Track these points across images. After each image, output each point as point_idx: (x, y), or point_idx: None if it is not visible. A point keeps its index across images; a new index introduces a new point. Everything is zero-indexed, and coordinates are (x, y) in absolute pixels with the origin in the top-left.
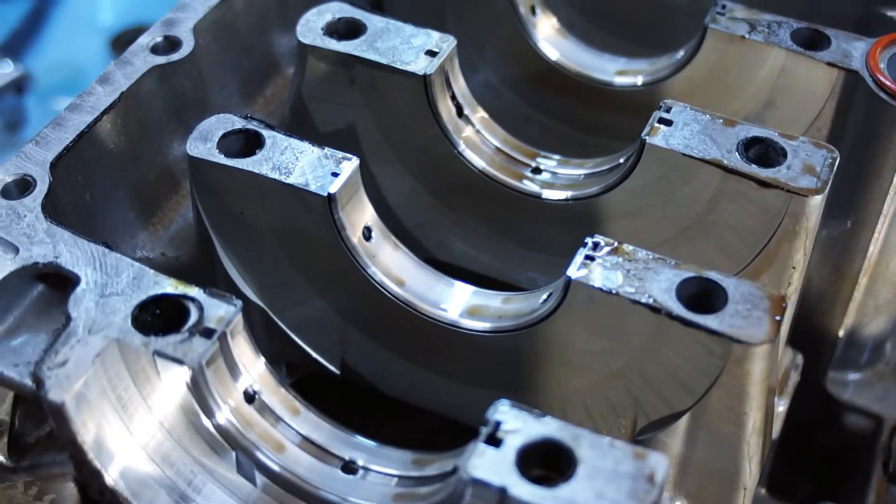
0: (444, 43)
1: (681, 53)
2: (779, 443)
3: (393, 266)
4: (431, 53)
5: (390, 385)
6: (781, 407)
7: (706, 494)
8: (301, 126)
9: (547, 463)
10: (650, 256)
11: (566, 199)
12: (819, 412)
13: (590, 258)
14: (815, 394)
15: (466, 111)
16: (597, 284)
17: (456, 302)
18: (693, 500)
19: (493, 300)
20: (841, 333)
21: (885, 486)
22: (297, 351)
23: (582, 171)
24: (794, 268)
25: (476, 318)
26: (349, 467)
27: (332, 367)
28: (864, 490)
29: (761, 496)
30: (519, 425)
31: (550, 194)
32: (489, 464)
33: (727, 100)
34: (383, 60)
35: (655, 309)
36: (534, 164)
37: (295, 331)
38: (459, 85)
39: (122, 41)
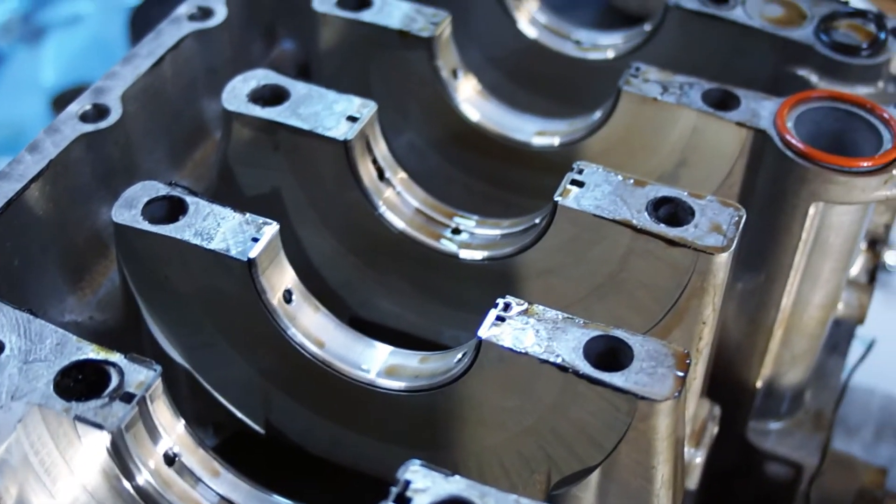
0: (365, 108)
1: (597, 114)
2: (700, 494)
3: (313, 328)
4: (352, 119)
5: (314, 444)
6: (699, 458)
7: None
8: (228, 189)
9: None
10: (559, 316)
11: (483, 259)
12: (741, 462)
13: (501, 319)
14: (737, 444)
15: (387, 174)
16: (507, 344)
17: (374, 362)
18: None
19: (411, 360)
20: (759, 384)
21: None
22: (222, 411)
23: (499, 232)
24: (704, 323)
25: (393, 377)
26: None
27: (257, 427)
28: None
29: None
30: (428, 484)
31: (467, 254)
32: None
33: (642, 159)
34: (305, 126)
35: (563, 368)
36: (453, 225)
37: (220, 391)
38: (380, 148)
39: (63, 100)
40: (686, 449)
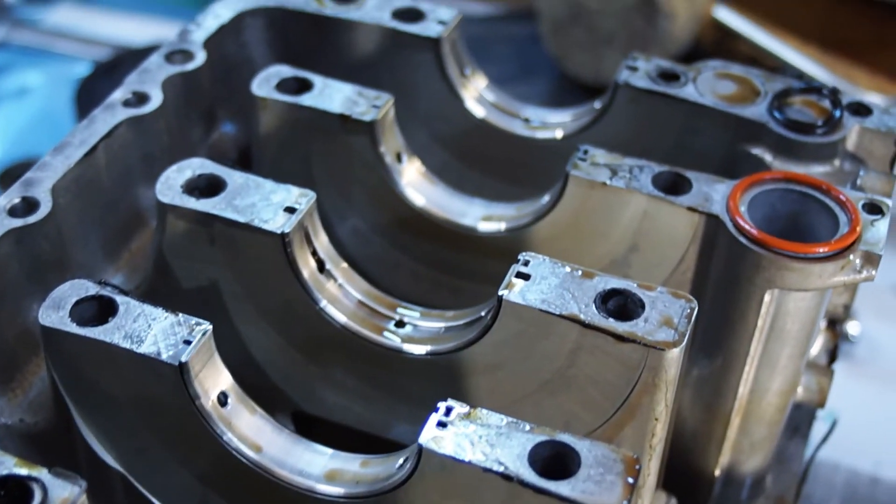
0: (304, 199)
1: (545, 199)
2: None
3: (250, 432)
4: (290, 210)
5: None
6: None
7: None
8: (164, 282)
9: None
10: (503, 421)
11: (427, 354)
12: None
13: (442, 424)
14: None
15: (328, 265)
16: (448, 452)
17: (314, 466)
18: None
19: (352, 464)
20: (718, 473)
21: None
22: None
23: (443, 324)
24: (657, 419)
25: (333, 483)
26: None
27: None
28: None
29: None
30: None
31: (411, 348)
32: None
33: (592, 244)
34: (241, 219)
35: (507, 477)
36: (396, 317)
37: (156, 495)
38: (320, 240)
39: (10, 176)
40: None
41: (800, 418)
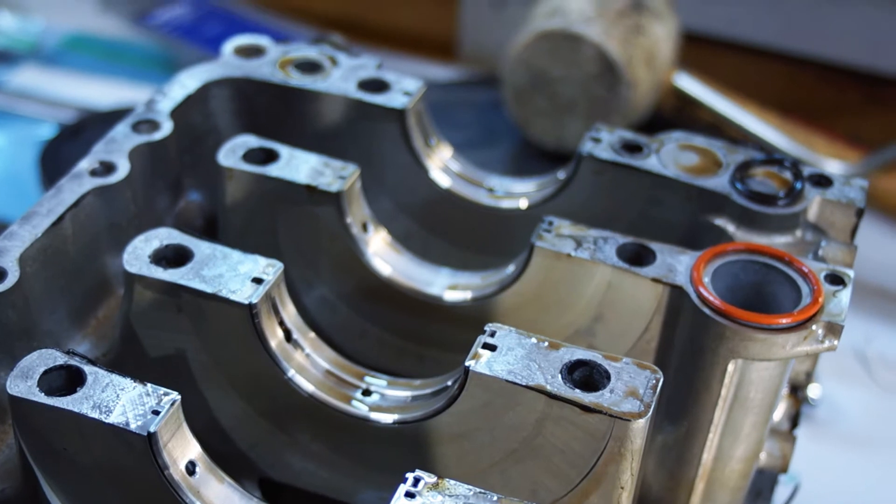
0: (271, 269)
1: (511, 268)
2: None
3: (218, 500)
4: (258, 281)
5: None
6: None
7: None
8: (131, 351)
9: None
10: (470, 492)
11: (394, 423)
12: None
13: (410, 495)
14: None
15: (295, 335)
16: None
17: None
18: None
19: None
20: None
21: None
22: None
23: (410, 393)
24: (622, 488)
25: None
26: None
27: None
28: None
29: None
30: None
31: (378, 417)
32: None
33: (557, 314)
34: (209, 290)
35: None
36: (363, 386)
37: None
38: (288, 310)
39: None
40: None
41: (762, 483)
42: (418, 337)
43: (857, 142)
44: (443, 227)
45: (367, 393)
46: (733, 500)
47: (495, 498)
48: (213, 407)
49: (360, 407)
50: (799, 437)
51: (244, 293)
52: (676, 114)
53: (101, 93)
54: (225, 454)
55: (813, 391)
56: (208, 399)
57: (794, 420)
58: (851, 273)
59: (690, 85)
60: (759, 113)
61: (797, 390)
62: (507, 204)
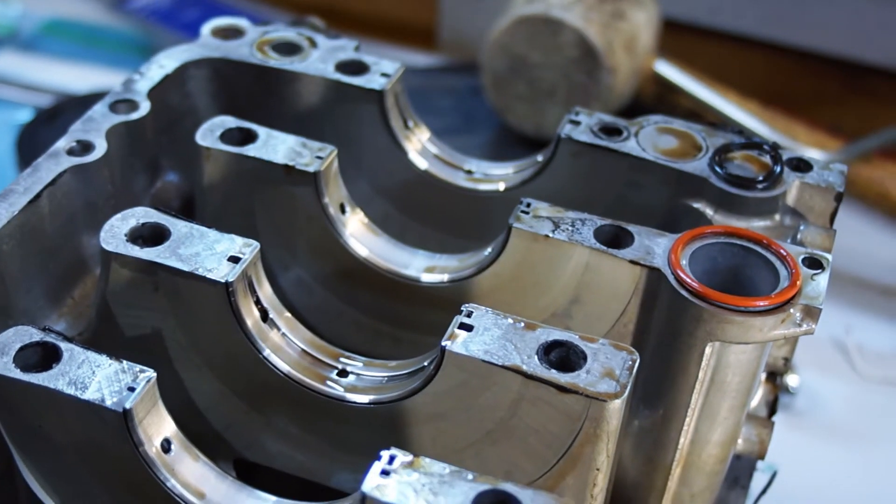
0: (248, 248)
1: (488, 250)
2: None
3: (193, 478)
4: (234, 259)
5: None
6: None
7: None
8: (107, 329)
9: None
10: (446, 470)
11: (369, 403)
12: None
13: (385, 472)
14: None
15: (271, 314)
16: (391, 500)
17: None
18: None
19: None
20: None
21: None
22: None
23: (386, 374)
24: (598, 469)
25: None
26: None
27: None
28: None
29: None
30: None
31: (354, 397)
32: None
33: (534, 296)
34: (185, 268)
35: None
36: (339, 366)
37: None
38: (264, 289)
39: None
40: None
41: (740, 469)
42: (395, 319)
43: (837, 131)
44: (420, 210)
45: (343, 374)
46: (710, 485)
47: (471, 476)
48: (189, 387)
49: (335, 387)
50: (777, 426)
51: (221, 271)
52: (657, 100)
53: (78, 78)
54: (200, 434)
55: (792, 381)
56: (184, 379)
57: (772, 406)
58: (830, 257)
59: (671, 72)
60: (739, 101)
61: (775, 376)
62: (485, 187)
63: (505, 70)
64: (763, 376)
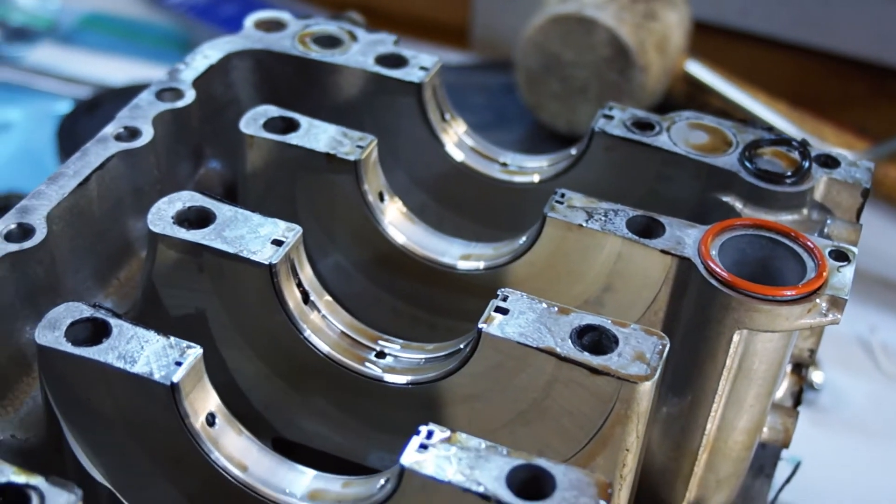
0: (290, 232)
1: (523, 239)
2: None
3: (236, 451)
4: (277, 243)
5: None
6: None
7: None
8: (152, 310)
9: None
10: (482, 445)
11: (407, 384)
12: None
13: (423, 446)
14: None
15: (312, 297)
16: (429, 473)
17: (297, 486)
18: None
19: (334, 484)
20: None
21: None
22: None
23: (423, 356)
24: (627, 450)
25: (316, 502)
26: None
27: None
28: None
29: None
30: None
31: (392, 378)
32: None
33: (567, 284)
34: (230, 249)
35: (486, 497)
36: (377, 348)
37: None
38: (305, 272)
39: None
40: None
41: (765, 458)
42: (431, 305)
43: (863, 134)
44: (456, 201)
45: (381, 355)
46: (736, 472)
47: (505, 451)
48: (231, 366)
49: (373, 368)
50: (802, 421)
51: (264, 254)
52: (687, 100)
53: (116, 70)
54: (240, 414)
55: (817, 377)
56: (226, 358)
57: (797, 397)
58: (855, 250)
59: (701, 72)
60: (768, 101)
61: (801, 368)
62: (519, 179)
63: (538, 68)
64: (789, 368)
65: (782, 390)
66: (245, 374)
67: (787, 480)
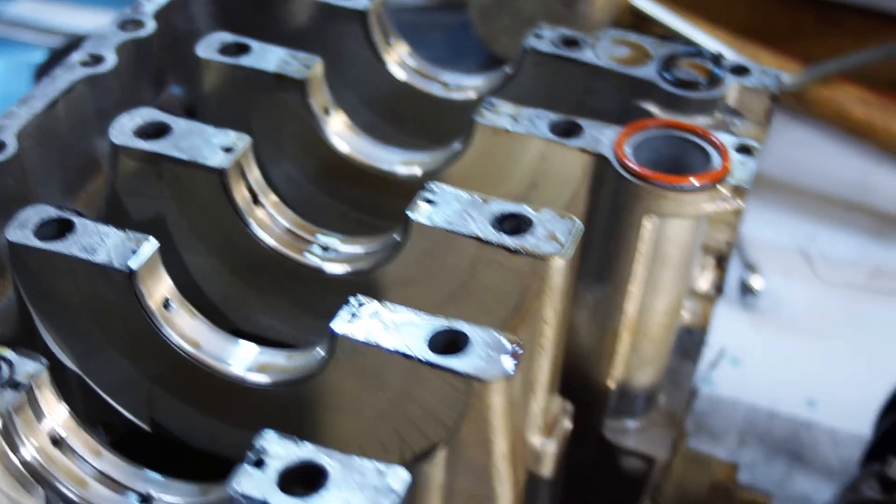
0: (240, 141)
1: (456, 145)
2: (562, 486)
3: (189, 331)
4: (228, 150)
5: (195, 438)
6: (552, 447)
7: None
8: (116, 217)
9: (305, 482)
10: (406, 312)
11: (346, 273)
12: (599, 457)
13: (354, 315)
14: (595, 440)
15: (260, 198)
16: (358, 338)
17: (245, 360)
18: None
19: (278, 357)
20: (612, 386)
21: None
22: (111, 411)
23: (361, 248)
24: (546, 322)
25: (262, 373)
26: (144, 499)
27: (143, 425)
28: None
29: None
30: (280, 451)
31: (332, 268)
32: (254, 482)
33: (497, 184)
34: (185, 157)
35: (408, 356)
36: (319, 242)
37: (108, 393)
38: (254, 175)
39: None
40: (538, 438)
41: (691, 344)
42: (375, 210)
43: (809, 63)
44: (401, 119)
45: (323, 248)
46: (658, 353)
47: (427, 317)
48: (189, 265)
49: (315, 259)
50: (742, 324)
51: (216, 160)
52: (632, 31)
53: (89, 20)
54: (200, 307)
55: (757, 282)
56: (185, 259)
57: (719, 287)
58: (758, 145)
59: (645, 3)
60: (710, 29)
61: (722, 260)
62: (458, 96)
63: (490, 4)
64: (712, 262)
65: (706, 282)
66: (201, 271)
67: (713, 365)
